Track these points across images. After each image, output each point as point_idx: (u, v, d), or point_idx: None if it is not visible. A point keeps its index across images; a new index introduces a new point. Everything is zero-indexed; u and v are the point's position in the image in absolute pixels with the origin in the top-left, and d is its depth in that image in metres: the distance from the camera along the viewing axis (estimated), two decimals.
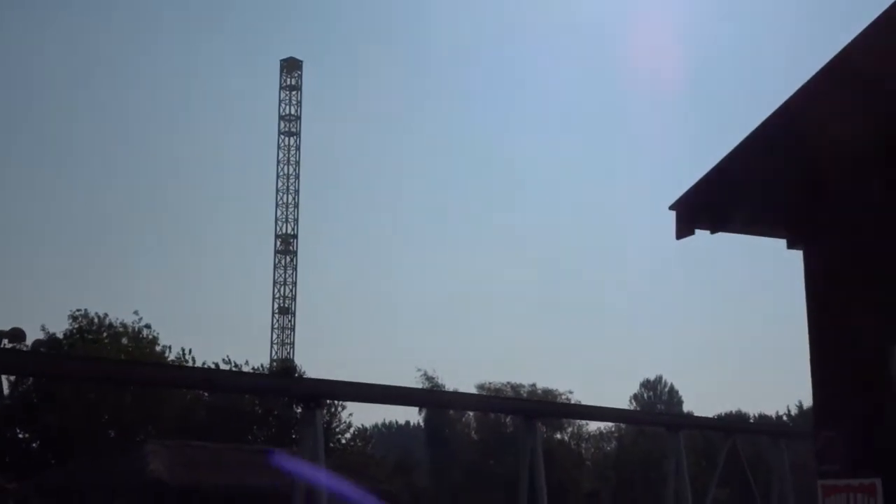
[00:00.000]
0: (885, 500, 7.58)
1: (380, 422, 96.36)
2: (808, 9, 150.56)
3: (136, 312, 54.63)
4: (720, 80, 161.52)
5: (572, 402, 60.26)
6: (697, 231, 9.12)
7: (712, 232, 9.31)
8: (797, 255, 9.09)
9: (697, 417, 45.82)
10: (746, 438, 39.29)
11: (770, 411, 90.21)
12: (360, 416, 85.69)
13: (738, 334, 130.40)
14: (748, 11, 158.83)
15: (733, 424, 47.62)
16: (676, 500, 28.28)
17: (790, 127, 8.34)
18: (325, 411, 30.95)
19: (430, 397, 36.85)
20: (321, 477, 16.19)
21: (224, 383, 35.16)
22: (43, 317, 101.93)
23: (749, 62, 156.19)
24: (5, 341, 38.04)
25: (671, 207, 9.13)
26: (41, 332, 50.22)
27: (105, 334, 53.67)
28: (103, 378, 35.61)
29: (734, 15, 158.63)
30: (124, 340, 53.54)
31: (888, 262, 8.01)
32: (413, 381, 60.09)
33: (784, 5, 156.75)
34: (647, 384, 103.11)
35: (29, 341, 42.69)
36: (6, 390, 44.44)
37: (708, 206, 9.11)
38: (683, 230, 9.07)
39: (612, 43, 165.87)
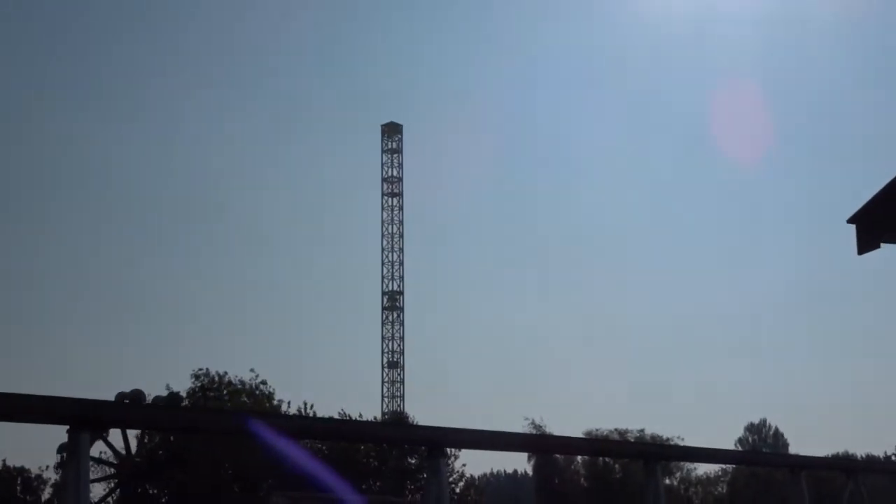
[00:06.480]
0: None
1: (488, 471, 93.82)
2: None
3: (252, 370, 57.83)
4: None
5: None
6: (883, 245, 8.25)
7: None
8: None
9: (819, 458, 44.41)
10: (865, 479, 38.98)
11: (877, 451, 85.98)
12: (470, 466, 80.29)
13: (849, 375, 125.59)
14: None
15: (855, 464, 46.40)
16: None
17: None
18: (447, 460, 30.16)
19: (550, 442, 36.00)
20: None
21: (350, 433, 34.53)
22: (166, 377, 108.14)
23: None
24: (127, 402, 40.95)
25: (851, 220, 8.27)
26: (165, 391, 51.71)
27: (225, 391, 56.26)
28: (232, 431, 32.35)
29: None
30: (243, 397, 56.14)
31: None
32: (521, 429, 61.81)
33: None
34: (751, 428, 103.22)
35: (150, 400, 45.75)
36: (133, 448, 46.71)
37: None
38: (866, 244, 8.20)
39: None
